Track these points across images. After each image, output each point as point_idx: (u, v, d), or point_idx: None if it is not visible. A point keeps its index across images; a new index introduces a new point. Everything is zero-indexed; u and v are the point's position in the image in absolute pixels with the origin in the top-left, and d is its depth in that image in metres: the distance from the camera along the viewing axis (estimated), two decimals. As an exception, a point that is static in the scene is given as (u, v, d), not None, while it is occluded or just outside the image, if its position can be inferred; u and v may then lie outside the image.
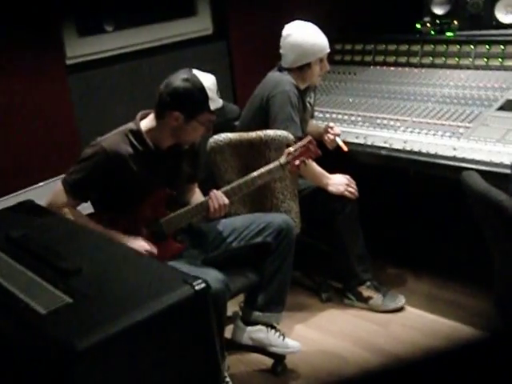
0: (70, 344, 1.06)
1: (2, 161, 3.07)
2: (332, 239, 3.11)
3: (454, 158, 2.80)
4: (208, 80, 2.38)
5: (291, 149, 2.56)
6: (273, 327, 2.71)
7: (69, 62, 3.29)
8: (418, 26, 4.01)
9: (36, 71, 3.14)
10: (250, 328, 2.70)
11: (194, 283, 1.23)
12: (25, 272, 1.35)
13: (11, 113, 3.08)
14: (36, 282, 1.28)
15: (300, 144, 2.58)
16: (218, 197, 2.45)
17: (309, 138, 2.61)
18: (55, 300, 1.20)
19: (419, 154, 2.90)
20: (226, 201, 2.46)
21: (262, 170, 2.54)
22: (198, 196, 2.67)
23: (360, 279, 3.10)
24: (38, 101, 3.15)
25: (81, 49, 3.34)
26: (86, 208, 2.50)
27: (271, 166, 2.54)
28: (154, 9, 3.75)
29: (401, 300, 3.07)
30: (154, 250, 2.39)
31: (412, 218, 3.39)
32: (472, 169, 2.64)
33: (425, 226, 3.35)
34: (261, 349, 2.72)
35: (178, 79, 2.35)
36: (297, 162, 2.56)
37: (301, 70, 3.06)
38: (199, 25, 3.84)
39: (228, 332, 2.75)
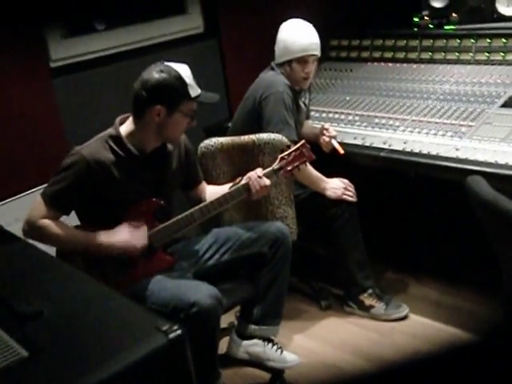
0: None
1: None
2: (331, 245, 2.99)
3: (456, 160, 2.67)
4: (183, 69, 2.27)
5: (284, 154, 2.44)
6: (270, 341, 2.59)
7: (53, 65, 3.15)
8: (416, 19, 3.87)
9: (20, 76, 3.01)
10: (245, 342, 2.58)
11: (169, 331, 1.10)
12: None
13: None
14: (-13, 329, 1.13)
15: (293, 148, 2.45)
16: (257, 178, 2.39)
17: (302, 141, 2.49)
18: (8, 353, 1.05)
19: (420, 155, 2.77)
20: (268, 182, 2.40)
21: None
22: (214, 190, 2.57)
23: (361, 287, 2.97)
24: (22, 107, 3.03)
25: (66, 50, 3.21)
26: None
27: (264, 171, 2.42)
28: (143, 7, 3.62)
29: (404, 309, 2.95)
30: (141, 238, 2.27)
31: (414, 221, 3.25)
32: (475, 171, 2.53)
33: (427, 230, 3.22)
34: (258, 363, 2.60)
35: (152, 73, 2.23)
36: (290, 168, 2.44)
37: (281, 66, 2.95)
38: (190, 23, 3.71)
39: (224, 344, 2.63)
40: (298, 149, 2.46)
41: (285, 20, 3.07)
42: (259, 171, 2.41)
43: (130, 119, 2.33)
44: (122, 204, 2.29)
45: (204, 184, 2.63)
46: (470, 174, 2.42)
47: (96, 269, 2.28)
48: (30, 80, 3.04)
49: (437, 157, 2.73)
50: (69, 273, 1.41)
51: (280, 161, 2.44)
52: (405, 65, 3.65)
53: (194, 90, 2.28)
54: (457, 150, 2.74)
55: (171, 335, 1.11)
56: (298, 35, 2.90)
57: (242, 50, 3.78)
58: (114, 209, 2.29)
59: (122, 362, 1.03)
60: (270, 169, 2.43)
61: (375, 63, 3.76)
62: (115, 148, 2.27)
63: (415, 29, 3.81)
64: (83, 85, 3.29)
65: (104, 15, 3.38)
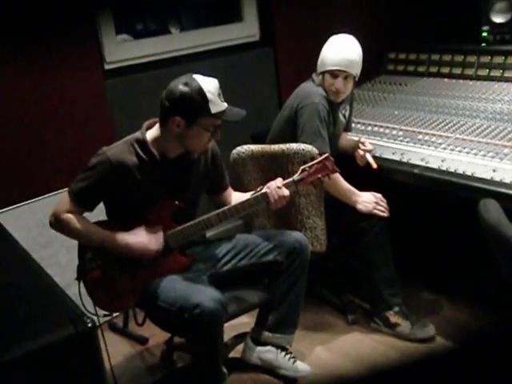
0: None
1: (39, 161, 3.15)
2: (359, 259, 2.96)
3: (489, 181, 2.58)
4: (209, 83, 2.29)
5: (306, 166, 2.45)
6: (283, 349, 2.61)
7: (107, 67, 3.31)
8: (485, 34, 3.76)
9: (75, 75, 3.18)
10: (259, 348, 2.61)
11: (79, 323, 1.15)
12: None
13: (51, 116, 3.15)
14: None
15: (316, 161, 2.46)
16: (276, 188, 2.41)
17: (326, 154, 2.49)
18: None
19: (454, 174, 2.70)
20: (286, 192, 2.41)
21: None
22: (239, 196, 2.60)
23: (387, 304, 2.92)
24: (75, 105, 3.20)
25: (121, 53, 3.36)
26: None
27: (284, 182, 2.44)
28: (199, 14, 3.74)
29: (431, 330, 2.87)
30: (157, 243, 2.36)
31: (450, 242, 3.16)
32: (506, 194, 2.46)
33: (464, 250, 3.11)
34: (270, 370, 2.63)
35: (177, 84, 2.29)
36: (310, 179, 2.44)
37: (318, 77, 2.98)
38: (246, 31, 3.79)
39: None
40: (320, 161, 2.46)
41: (342, 32, 3.06)
42: (279, 181, 2.43)
43: (157, 125, 2.42)
44: (143, 205, 2.37)
45: (230, 190, 2.67)
46: (500, 197, 2.37)
47: (115, 263, 2.40)
48: (84, 80, 3.21)
49: (471, 177, 2.66)
50: (20, 260, 1.50)
51: (301, 172, 2.45)
52: (461, 81, 3.56)
53: (217, 107, 2.30)
54: (494, 171, 2.65)
55: (80, 327, 1.16)
56: (334, 49, 2.90)
57: (297, 60, 3.82)
58: (134, 208, 2.38)
59: (27, 346, 1.10)
60: (291, 179, 2.45)
61: (431, 78, 3.69)
62: (139, 151, 2.36)
63: (483, 43, 3.71)
64: (139, 86, 3.42)
65: (160, 20, 3.52)
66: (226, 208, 2.44)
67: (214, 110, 2.29)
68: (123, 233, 2.35)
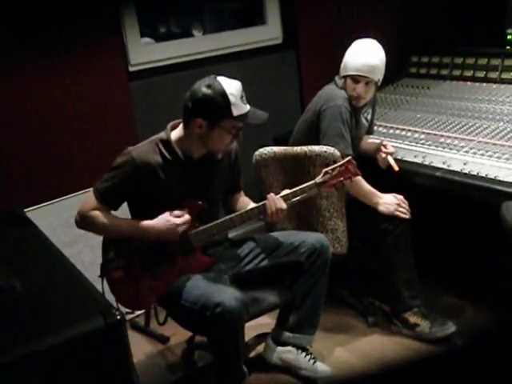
0: None
1: (64, 161, 3.20)
2: (380, 261, 2.96)
3: (512, 184, 2.58)
4: (232, 86, 2.31)
5: (328, 168, 2.46)
6: (304, 349, 2.62)
7: (132, 69, 3.36)
8: (510, 37, 3.76)
9: (101, 77, 3.23)
10: (280, 348, 2.63)
11: (108, 315, 1.19)
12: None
13: (76, 117, 3.20)
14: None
15: (338, 164, 2.47)
16: (276, 200, 2.41)
17: (348, 158, 2.50)
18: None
19: (476, 177, 2.70)
20: (284, 206, 2.41)
21: (296, 188, 2.46)
22: (247, 201, 2.63)
23: (407, 305, 2.92)
24: (100, 106, 3.25)
25: (145, 56, 3.40)
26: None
27: (306, 184, 2.46)
28: (223, 17, 3.77)
29: (450, 327, 2.86)
30: (183, 218, 2.37)
31: (472, 244, 3.15)
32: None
33: (486, 253, 3.10)
34: (290, 370, 2.64)
35: (201, 86, 2.32)
36: (333, 182, 2.46)
37: (340, 80, 2.99)
38: (269, 33, 3.81)
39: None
40: (343, 164, 2.48)
41: (364, 35, 3.07)
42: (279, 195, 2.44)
43: (181, 125, 2.45)
44: (165, 204, 2.40)
45: (241, 193, 2.70)
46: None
47: (137, 262, 2.43)
48: (109, 82, 3.25)
49: (493, 180, 2.65)
50: (52, 256, 1.54)
51: (324, 175, 2.47)
52: (484, 84, 3.55)
53: (239, 109, 2.32)
54: (517, 174, 2.65)
55: (109, 319, 1.19)
56: (357, 54, 2.91)
57: (320, 62, 3.83)
58: (159, 208, 2.41)
59: (58, 337, 1.14)
60: (313, 182, 2.46)
61: (454, 81, 3.69)
62: (164, 151, 2.40)
63: (508, 46, 3.70)
64: (159, 89, 3.46)
65: (183, 23, 3.56)
66: (248, 209, 2.46)
67: (236, 112, 2.32)
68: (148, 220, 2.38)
